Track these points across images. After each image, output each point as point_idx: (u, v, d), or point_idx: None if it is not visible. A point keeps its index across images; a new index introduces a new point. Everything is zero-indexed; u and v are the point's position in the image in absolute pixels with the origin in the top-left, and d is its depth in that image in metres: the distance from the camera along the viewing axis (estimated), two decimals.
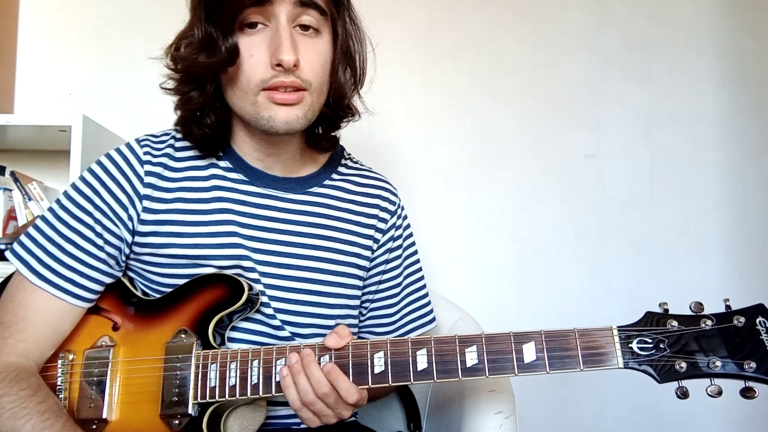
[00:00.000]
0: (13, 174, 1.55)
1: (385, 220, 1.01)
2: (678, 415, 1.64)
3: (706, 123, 1.74)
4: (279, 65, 0.80)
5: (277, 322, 0.90)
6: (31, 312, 0.84)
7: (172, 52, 0.86)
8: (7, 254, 0.87)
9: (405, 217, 1.06)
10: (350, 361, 0.77)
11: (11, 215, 1.55)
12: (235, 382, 0.79)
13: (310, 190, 0.96)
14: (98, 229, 0.87)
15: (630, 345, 0.72)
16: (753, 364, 0.68)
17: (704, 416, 1.64)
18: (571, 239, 1.72)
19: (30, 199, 1.53)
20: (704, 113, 1.74)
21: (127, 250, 0.89)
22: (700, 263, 1.70)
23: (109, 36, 1.78)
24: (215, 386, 0.80)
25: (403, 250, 1.05)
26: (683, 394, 0.70)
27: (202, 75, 0.84)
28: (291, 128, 0.83)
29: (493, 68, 1.77)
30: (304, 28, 0.83)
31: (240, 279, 0.86)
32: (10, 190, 1.56)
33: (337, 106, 0.91)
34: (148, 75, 1.72)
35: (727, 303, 0.71)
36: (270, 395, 0.79)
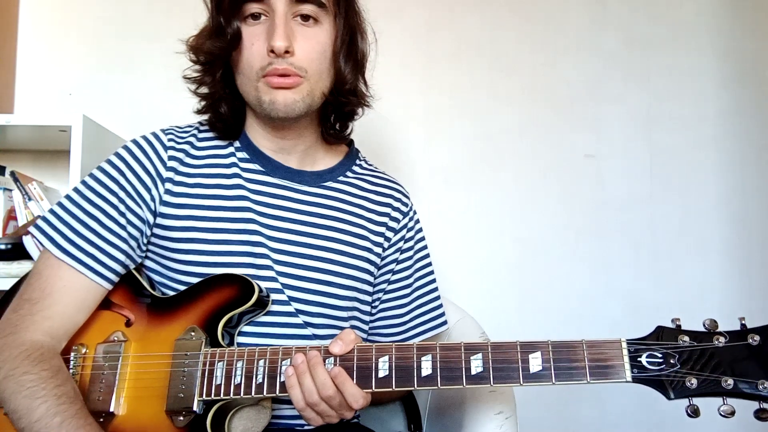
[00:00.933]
0: (13, 174, 1.55)
1: (397, 220, 1.04)
2: (678, 415, 1.64)
3: (706, 123, 1.74)
4: (273, 52, 0.85)
5: (291, 309, 0.91)
6: (57, 288, 0.85)
7: (192, 44, 0.94)
8: (31, 229, 0.89)
9: (417, 221, 1.09)
10: (355, 365, 0.77)
11: (11, 215, 1.55)
12: (241, 380, 0.80)
13: (325, 184, 1.00)
14: (122, 208, 0.89)
15: (639, 359, 0.70)
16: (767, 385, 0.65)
17: (705, 416, 1.64)
18: (571, 239, 1.72)
19: (30, 199, 1.53)
20: (704, 113, 1.74)
21: (148, 232, 0.92)
22: (700, 263, 1.70)
23: (109, 36, 1.78)
24: (221, 384, 0.80)
25: (415, 252, 1.06)
26: (694, 412, 0.68)
27: (211, 60, 0.91)
28: (290, 111, 0.88)
29: (493, 68, 1.77)
30: (305, 18, 0.88)
31: (251, 280, 0.87)
32: (10, 190, 1.55)
33: (339, 93, 0.94)
34: (148, 75, 1.73)
35: (743, 321, 0.69)
36: (274, 395, 0.79)
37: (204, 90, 0.95)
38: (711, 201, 1.72)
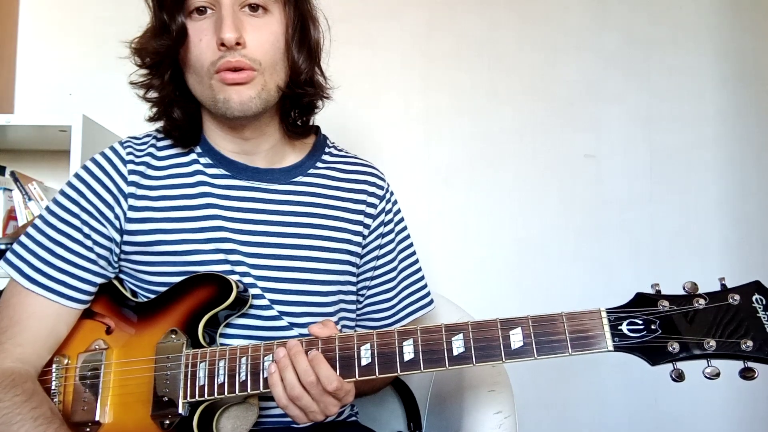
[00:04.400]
0: (13, 174, 1.55)
1: (374, 205, 1.01)
2: (678, 415, 1.64)
3: (706, 123, 1.74)
4: (223, 45, 0.81)
5: (274, 313, 0.90)
6: (26, 316, 0.85)
7: (136, 46, 0.90)
8: (1, 263, 0.88)
9: (395, 202, 1.06)
10: (337, 354, 0.76)
11: (11, 215, 1.55)
12: (224, 379, 0.79)
13: (295, 179, 0.96)
14: (86, 230, 0.88)
15: (620, 327, 0.70)
16: (750, 343, 0.65)
17: (704, 416, 1.64)
18: (571, 239, 1.72)
19: (30, 199, 1.53)
20: (704, 113, 1.74)
21: (117, 250, 0.90)
22: (700, 263, 1.70)
23: (109, 36, 1.76)
24: (204, 385, 0.80)
25: (396, 234, 1.04)
26: (678, 376, 0.67)
27: (158, 61, 0.87)
28: (247, 109, 0.84)
29: (493, 68, 1.77)
30: (253, 8, 0.85)
31: (229, 278, 0.86)
32: (10, 190, 1.56)
33: (296, 84, 0.90)
34: None
35: (723, 282, 0.69)
36: (258, 392, 0.79)
37: (154, 94, 0.90)
38: (711, 201, 1.72)
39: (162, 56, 0.86)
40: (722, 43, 1.76)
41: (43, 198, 1.53)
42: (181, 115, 0.91)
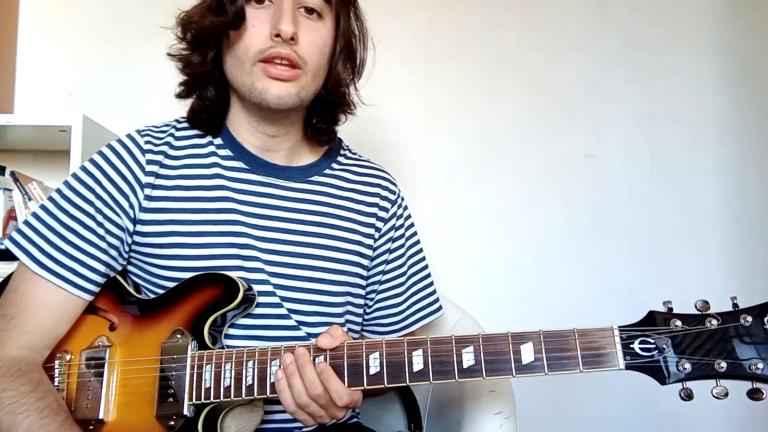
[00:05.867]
0: (13, 174, 1.55)
1: (386, 209, 1.02)
2: (678, 415, 1.64)
3: (706, 123, 1.74)
4: (278, 36, 0.83)
5: (283, 311, 0.90)
6: (34, 303, 0.84)
7: (184, 18, 0.90)
8: (6, 242, 0.86)
9: (406, 207, 1.07)
10: (345, 362, 0.76)
11: (11, 215, 1.55)
12: (230, 383, 0.79)
13: (311, 178, 0.97)
14: (99, 218, 0.87)
15: (632, 345, 0.69)
16: (760, 365, 0.65)
17: (704, 417, 1.64)
18: (571, 239, 1.72)
19: (30, 199, 1.53)
20: (704, 113, 1.74)
21: (129, 240, 0.89)
22: (700, 263, 1.70)
23: (109, 36, 1.78)
24: (210, 387, 0.80)
25: (406, 240, 1.05)
26: (687, 396, 0.67)
27: (207, 37, 0.87)
28: (282, 102, 0.85)
29: (493, 68, 1.77)
30: (309, 11, 0.87)
31: (236, 278, 0.85)
32: (10, 190, 1.55)
33: (334, 93, 0.93)
34: (148, 75, 1.73)
35: (735, 301, 0.69)
36: (264, 396, 0.79)
37: (189, 70, 0.91)
38: (711, 201, 1.72)
39: (213, 33, 0.86)
40: (722, 44, 1.76)
41: (43, 198, 1.53)
42: (214, 95, 0.91)
